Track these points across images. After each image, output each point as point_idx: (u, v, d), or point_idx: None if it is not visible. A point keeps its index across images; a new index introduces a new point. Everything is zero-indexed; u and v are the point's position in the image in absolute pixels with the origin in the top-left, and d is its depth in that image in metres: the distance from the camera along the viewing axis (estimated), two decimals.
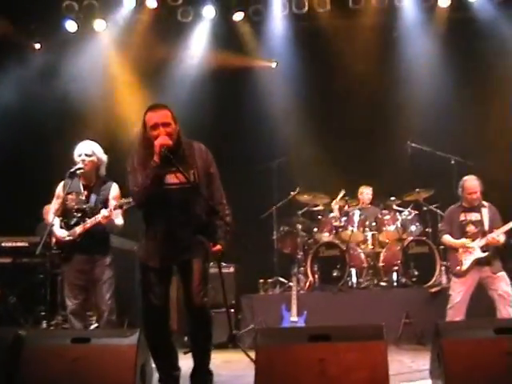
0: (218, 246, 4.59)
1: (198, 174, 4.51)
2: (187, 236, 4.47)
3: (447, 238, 6.81)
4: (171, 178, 4.44)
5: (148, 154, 4.39)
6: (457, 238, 6.72)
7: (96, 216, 5.57)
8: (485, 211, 6.69)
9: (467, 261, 6.58)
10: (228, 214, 4.66)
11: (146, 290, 4.51)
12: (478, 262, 6.56)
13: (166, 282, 4.57)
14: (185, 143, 4.58)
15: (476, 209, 6.72)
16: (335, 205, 9.16)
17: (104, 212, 5.52)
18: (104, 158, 5.87)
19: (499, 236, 6.53)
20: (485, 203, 6.75)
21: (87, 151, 5.75)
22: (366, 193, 9.36)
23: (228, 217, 4.65)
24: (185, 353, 4.86)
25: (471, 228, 6.67)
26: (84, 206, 5.71)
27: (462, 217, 6.74)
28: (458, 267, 6.63)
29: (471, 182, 6.71)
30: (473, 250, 6.57)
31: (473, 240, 6.61)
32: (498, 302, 6.44)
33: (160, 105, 4.55)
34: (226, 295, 5.44)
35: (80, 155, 5.73)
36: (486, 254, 6.54)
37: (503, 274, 6.54)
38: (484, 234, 6.59)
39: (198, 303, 4.44)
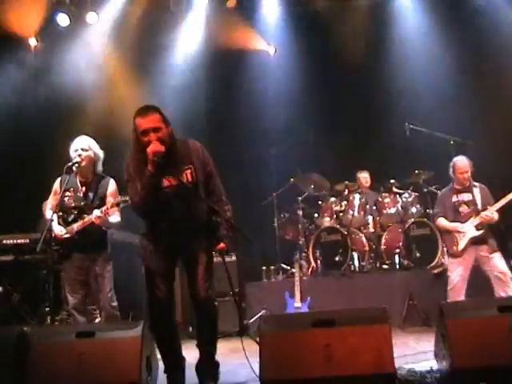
0: (222, 245, 4.60)
1: (195, 173, 4.49)
2: (190, 231, 4.47)
3: (442, 221, 6.85)
4: (169, 180, 4.44)
5: (142, 158, 4.35)
6: (451, 220, 6.76)
7: (90, 216, 5.57)
8: (476, 191, 6.74)
9: (463, 240, 6.62)
10: (228, 210, 4.63)
11: (150, 286, 4.51)
12: (474, 241, 6.60)
13: (170, 277, 4.57)
14: (180, 143, 4.54)
15: (467, 189, 6.77)
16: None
17: (97, 212, 5.53)
18: (100, 153, 5.86)
19: (493, 213, 6.57)
20: (475, 183, 6.80)
21: (84, 146, 5.74)
22: (362, 177, 9.36)
23: (228, 212, 4.62)
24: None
25: (464, 208, 6.71)
26: (82, 203, 5.72)
27: (455, 198, 6.78)
28: (455, 247, 6.66)
29: (462, 162, 6.76)
30: (467, 230, 6.58)
31: (467, 220, 6.65)
32: (495, 283, 6.47)
33: (149, 108, 4.43)
34: (233, 287, 5.42)
35: (76, 150, 5.72)
36: (481, 232, 6.57)
37: (498, 254, 6.57)
38: (477, 213, 6.63)
39: (203, 296, 4.46)
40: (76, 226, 5.64)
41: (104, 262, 5.75)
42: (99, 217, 5.51)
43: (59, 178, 5.82)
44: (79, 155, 5.68)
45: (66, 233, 5.65)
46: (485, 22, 9.25)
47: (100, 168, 5.86)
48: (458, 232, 6.64)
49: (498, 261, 6.52)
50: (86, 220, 5.60)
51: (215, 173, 4.66)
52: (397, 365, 4.06)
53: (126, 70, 10.07)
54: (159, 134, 4.33)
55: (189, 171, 4.48)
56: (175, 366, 4.58)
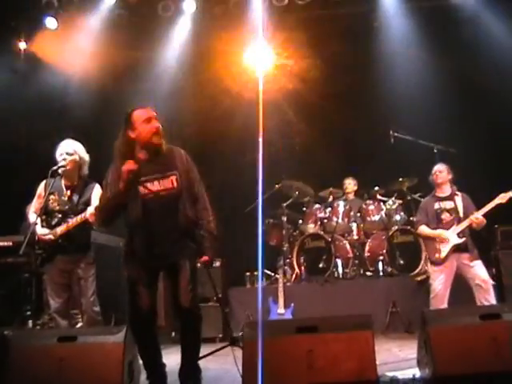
0: (205, 257, 4.54)
1: (179, 178, 4.49)
2: (171, 241, 4.42)
3: (424, 229, 6.88)
4: (150, 186, 4.43)
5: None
6: (433, 227, 6.79)
7: (81, 214, 5.55)
8: (458, 199, 6.79)
9: (445, 248, 6.64)
10: (212, 220, 4.60)
11: (132, 294, 4.45)
12: (456, 249, 6.62)
13: (152, 285, 4.52)
14: (165, 148, 4.55)
15: (450, 197, 6.82)
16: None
17: (91, 209, 5.49)
18: (86, 157, 5.84)
19: (481, 218, 6.61)
20: (457, 192, 6.85)
21: (69, 150, 5.72)
22: (348, 184, 9.38)
23: (212, 223, 4.59)
24: None
25: (446, 216, 6.75)
26: (66, 207, 5.69)
27: (437, 205, 6.83)
28: (437, 255, 6.68)
29: (441, 169, 6.87)
30: (450, 238, 6.63)
31: (449, 227, 6.68)
32: (477, 292, 6.48)
33: (143, 105, 4.56)
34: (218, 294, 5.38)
35: (62, 154, 5.70)
36: (463, 239, 6.61)
37: (479, 261, 6.60)
38: (459, 221, 6.66)
39: (187, 307, 4.40)
40: (60, 230, 5.61)
41: (87, 266, 5.73)
42: (93, 213, 5.42)
43: (44, 182, 5.79)
44: (65, 159, 5.66)
45: (50, 235, 5.61)
46: (471, 32, 9.32)
47: (86, 172, 5.84)
48: (441, 239, 6.67)
49: (479, 269, 6.55)
50: (75, 219, 5.57)
51: (200, 181, 4.65)
52: (379, 372, 4.08)
53: (114, 73, 10.04)
54: (158, 123, 4.47)
55: (174, 177, 4.47)
56: (156, 372, 4.56)
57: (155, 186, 4.43)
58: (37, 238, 5.66)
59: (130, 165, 4.29)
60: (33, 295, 7.05)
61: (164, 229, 4.40)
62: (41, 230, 5.67)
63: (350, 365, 3.96)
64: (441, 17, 9.68)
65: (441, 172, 6.83)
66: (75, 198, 5.72)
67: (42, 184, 5.81)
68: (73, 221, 5.58)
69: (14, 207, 8.03)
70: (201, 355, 4.63)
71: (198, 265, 4.61)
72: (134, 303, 4.44)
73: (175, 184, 4.46)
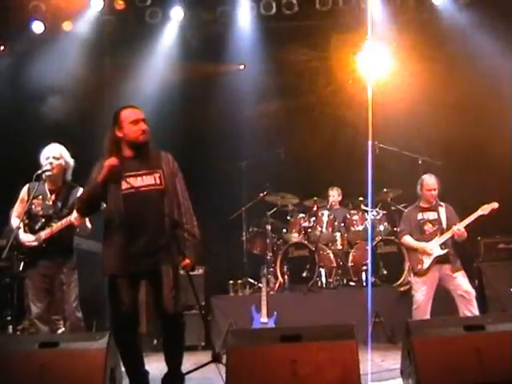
0: (187, 261, 4.51)
1: (163, 177, 4.49)
2: (152, 239, 4.40)
3: (407, 239, 6.89)
4: (133, 181, 4.42)
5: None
6: (416, 238, 6.81)
7: (66, 218, 5.50)
8: (442, 210, 6.80)
9: (427, 259, 6.66)
10: (196, 226, 4.61)
11: (113, 298, 4.44)
12: (438, 260, 6.65)
13: (133, 289, 4.47)
14: (152, 149, 4.59)
15: (433, 208, 6.83)
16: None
17: (75, 213, 5.44)
18: (71, 161, 5.81)
19: (463, 230, 6.62)
20: (441, 203, 6.87)
21: (55, 154, 5.68)
22: (333, 194, 9.37)
23: (196, 228, 4.60)
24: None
25: (429, 227, 6.78)
26: (50, 212, 5.64)
27: (420, 216, 6.84)
28: (420, 266, 6.69)
29: (430, 180, 6.83)
30: (432, 249, 6.64)
31: (431, 238, 6.71)
32: (459, 302, 6.52)
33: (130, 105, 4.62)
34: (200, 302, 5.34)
35: (48, 158, 5.65)
36: (446, 251, 6.64)
37: (462, 272, 6.63)
38: (442, 232, 6.69)
39: (170, 311, 4.37)
40: (44, 234, 5.56)
41: (70, 271, 5.68)
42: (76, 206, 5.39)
43: (27, 186, 5.74)
44: (50, 163, 5.61)
45: (34, 241, 5.56)
46: (456, 40, 9.39)
47: (69, 176, 5.80)
48: (423, 252, 6.68)
49: (461, 280, 6.58)
50: (60, 223, 5.52)
51: (184, 186, 4.66)
52: (362, 382, 4.07)
53: (99, 79, 10.00)
54: (145, 125, 4.51)
55: (157, 175, 4.48)
56: (139, 379, 4.52)
57: (138, 182, 4.43)
58: (20, 243, 5.61)
59: (112, 160, 4.35)
60: (14, 300, 6.98)
61: (145, 225, 4.39)
62: (25, 236, 5.61)
63: (333, 374, 3.95)
64: (427, 30, 9.73)
65: (434, 189, 6.77)
66: (59, 202, 5.68)
67: (25, 188, 5.75)
68: (57, 224, 5.53)
69: None
70: (184, 371, 4.60)
71: (182, 272, 4.59)
72: (115, 307, 4.42)
73: (158, 181, 4.47)
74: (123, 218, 4.38)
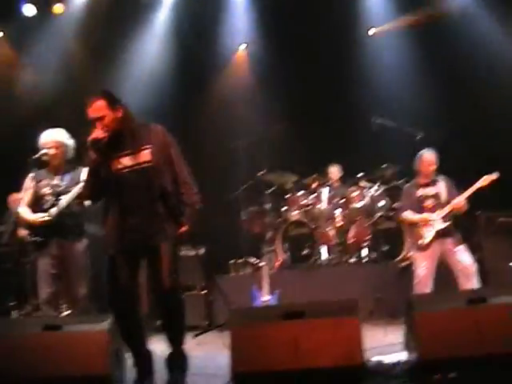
0: (183, 228, 4.47)
1: (154, 153, 4.42)
2: (148, 220, 4.38)
3: (408, 214, 6.86)
4: (122, 162, 4.40)
5: None
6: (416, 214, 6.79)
7: (74, 190, 5.50)
8: (441, 184, 6.75)
9: (429, 233, 6.63)
10: (194, 193, 4.55)
11: (109, 273, 4.39)
12: (439, 234, 6.62)
13: (130, 266, 4.42)
14: (139, 125, 4.53)
15: (432, 183, 6.79)
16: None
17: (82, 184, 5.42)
18: (70, 143, 5.81)
19: (463, 202, 6.60)
20: (440, 177, 6.82)
21: (48, 144, 5.67)
22: (333, 171, 9.36)
23: (194, 196, 4.54)
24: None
25: (429, 202, 6.73)
26: (58, 189, 5.64)
27: (420, 192, 6.79)
28: (421, 241, 6.68)
29: (429, 155, 6.78)
30: (434, 223, 6.64)
31: (432, 213, 6.67)
32: (460, 276, 6.48)
33: (96, 95, 4.45)
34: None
35: (45, 144, 5.64)
36: (447, 224, 6.61)
37: (463, 246, 6.61)
38: (442, 206, 6.65)
39: (167, 288, 4.31)
40: (57, 208, 5.55)
41: (79, 254, 5.70)
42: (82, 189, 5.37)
43: (30, 175, 5.75)
44: (49, 148, 5.62)
45: (47, 216, 5.55)
46: (456, 23, 9.37)
47: (71, 155, 5.80)
48: (425, 223, 6.68)
49: (462, 254, 6.56)
50: (71, 194, 5.52)
51: (179, 156, 4.58)
52: (365, 357, 4.09)
53: (93, 59, 9.94)
54: (104, 121, 4.37)
55: (146, 151, 4.42)
56: (143, 358, 4.53)
57: (129, 161, 4.40)
58: (31, 222, 5.62)
59: (94, 133, 4.33)
60: (16, 285, 7.00)
61: (138, 203, 4.37)
62: (35, 215, 5.61)
63: (336, 350, 3.97)
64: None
65: (432, 164, 6.74)
66: (65, 181, 5.68)
67: (30, 177, 5.75)
68: (67, 198, 5.53)
69: None
70: (189, 350, 4.58)
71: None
72: (112, 282, 4.37)
73: (149, 157, 4.41)
74: (116, 198, 4.38)
